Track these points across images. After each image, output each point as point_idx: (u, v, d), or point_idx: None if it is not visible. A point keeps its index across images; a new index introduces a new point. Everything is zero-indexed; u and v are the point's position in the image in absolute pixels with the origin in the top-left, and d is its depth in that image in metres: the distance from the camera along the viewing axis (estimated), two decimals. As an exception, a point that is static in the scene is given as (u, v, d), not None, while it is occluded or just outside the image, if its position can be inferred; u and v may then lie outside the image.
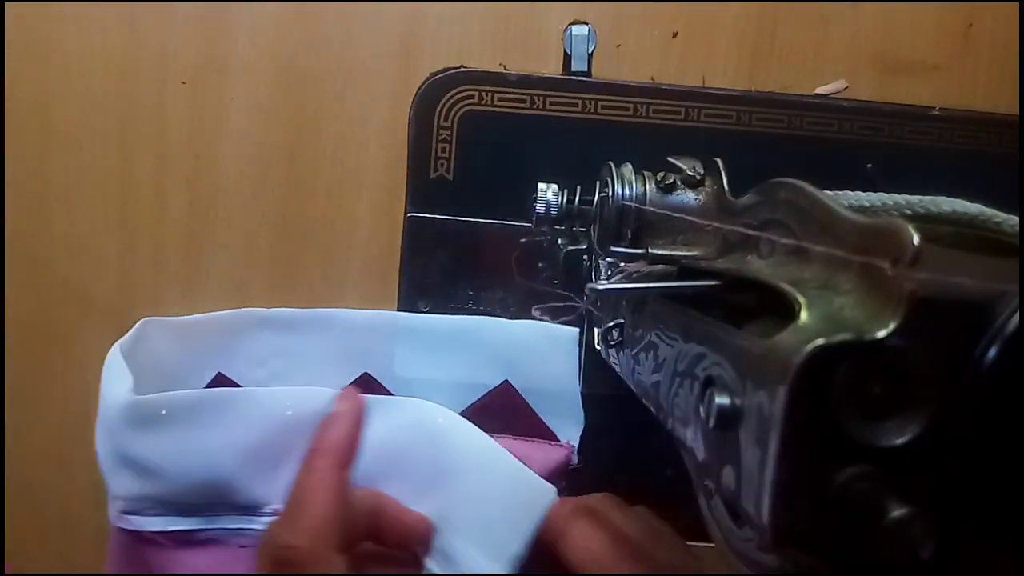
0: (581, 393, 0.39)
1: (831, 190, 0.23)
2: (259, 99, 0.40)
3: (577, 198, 0.36)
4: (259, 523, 0.35)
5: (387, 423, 0.35)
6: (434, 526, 0.33)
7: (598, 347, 0.37)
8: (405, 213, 0.40)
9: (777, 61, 0.40)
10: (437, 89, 0.39)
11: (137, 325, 0.38)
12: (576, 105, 0.39)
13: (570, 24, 0.39)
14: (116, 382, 0.35)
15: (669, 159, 0.32)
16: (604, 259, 0.35)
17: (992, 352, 0.14)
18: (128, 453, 0.35)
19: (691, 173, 0.31)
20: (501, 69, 0.39)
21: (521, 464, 0.35)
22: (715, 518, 0.20)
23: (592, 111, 0.39)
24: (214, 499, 0.35)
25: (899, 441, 0.14)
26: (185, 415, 0.35)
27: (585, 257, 0.39)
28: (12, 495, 0.41)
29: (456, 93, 0.39)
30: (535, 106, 0.39)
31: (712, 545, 0.21)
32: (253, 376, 0.39)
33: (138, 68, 0.39)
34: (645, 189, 0.31)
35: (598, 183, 0.34)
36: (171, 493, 0.35)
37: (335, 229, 0.40)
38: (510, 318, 0.40)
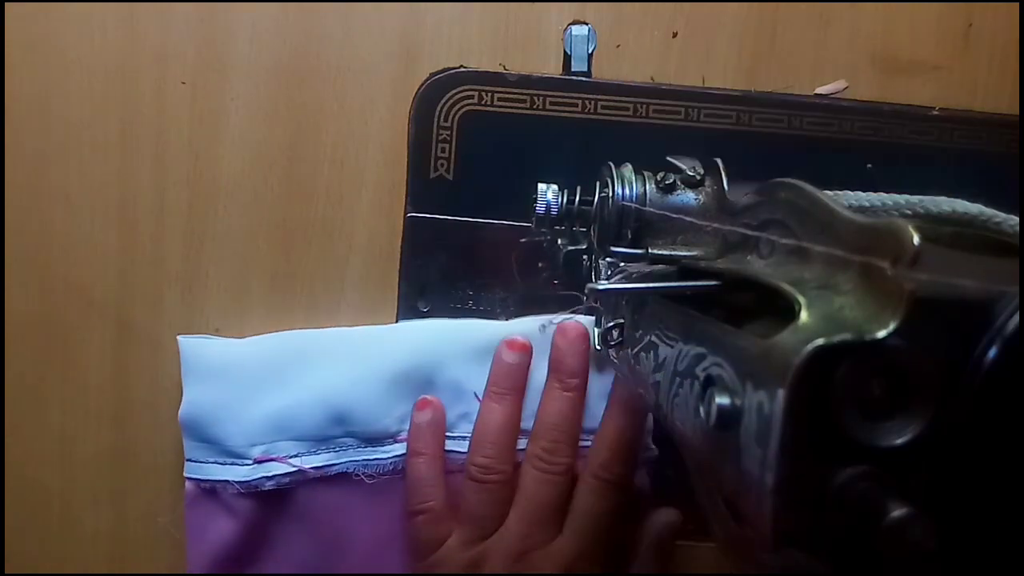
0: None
1: (831, 190, 0.23)
2: (259, 99, 0.40)
3: (577, 198, 0.36)
4: (381, 453, 0.38)
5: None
6: None
7: (598, 347, 0.37)
8: (405, 213, 0.40)
9: (777, 61, 0.40)
10: (437, 89, 0.39)
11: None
12: (576, 105, 0.39)
13: (570, 24, 0.39)
14: (215, 345, 0.39)
15: (669, 159, 0.32)
16: (604, 259, 0.35)
17: (992, 352, 0.14)
18: (264, 396, 0.37)
19: (691, 173, 0.31)
20: (501, 69, 0.39)
21: None
22: (715, 518, 0.20)
23: (592, 111, 0.39)
24: (340, 432, 0.38)
25: (899, 441, 0.14)
26: (316, 350, 0.38)
27: (585, 257, 0.39)
28: (12, 495, 0.41)
29: (456, 93, 0.39)
30: (535, 106, 0.39)
31: (712, 545, 0.21)
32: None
33: (138, 68, 0.39)
34: (645, 189, 0.31)
35: (598, 183, 0.34)
36: (303, 429, 0.37)
37: (335, 229, 0.40)
38: (509, 318, 0.40)
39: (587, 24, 0.39)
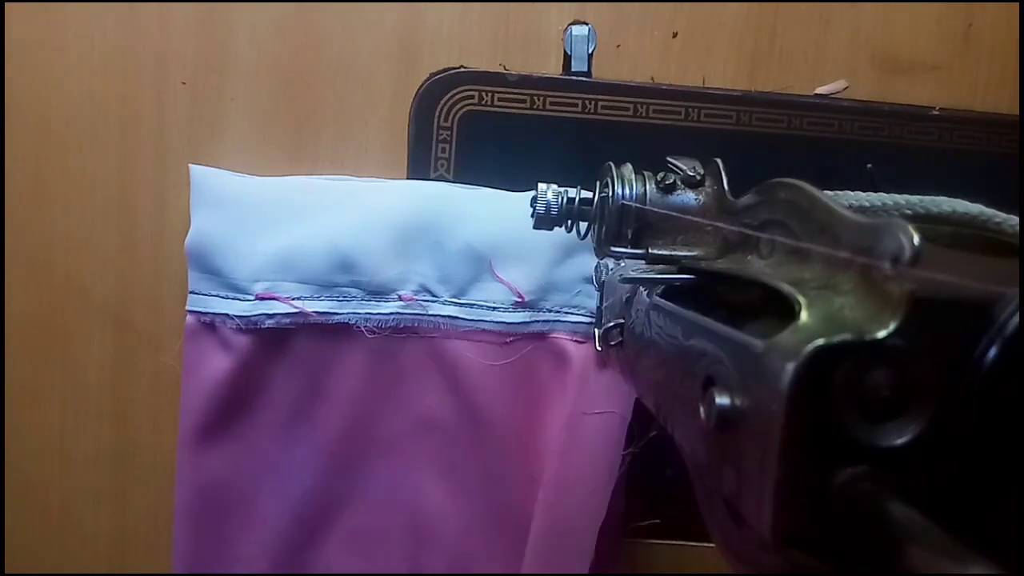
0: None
1: (831, 190, 0.23)
2: (259, 99, 0.40)
3: (577, 198, 0.36)
4: (384, 308, 0.38)
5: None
6: None
7: (599, 347, 0.37)
8: (405, 213, 0.40)
9: (777, 61, 0.40)
10: (437, 89, 0.39)
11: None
12: (576, 105, 0.39)
13: (570, 24, 0.39)
14: (227, 176, 0.38)
15: (669, 159, 0.32)
16: (604, 259, 0.35)
17: (992, 352, 0.14)
18: (272, 234, 0.37)
19: (691, 173, 0.31)
20: (501, 69, 0.39)
21: None
22: (715, 518, 0.20)
23: (592, 111, 0.39)
24: (345, 281, 0.37)
25: (899, 441, 0.14)
26: (330, 196, 0.38)
27: (585, 257, 0.39)
28: (12, 495, 0.41)
29: (456, 93, 0.39)
30: (535, 106, 0.39)
31: (712, 545, 0.21)
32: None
33: (138, 68, 0.39)
34: (645, 189, 0.31)
35: (598, 183, 0.34)
36: (309, 272, 0.37)
37: (335, 229, 0.40)
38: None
39: (587, 24, 0.39)
